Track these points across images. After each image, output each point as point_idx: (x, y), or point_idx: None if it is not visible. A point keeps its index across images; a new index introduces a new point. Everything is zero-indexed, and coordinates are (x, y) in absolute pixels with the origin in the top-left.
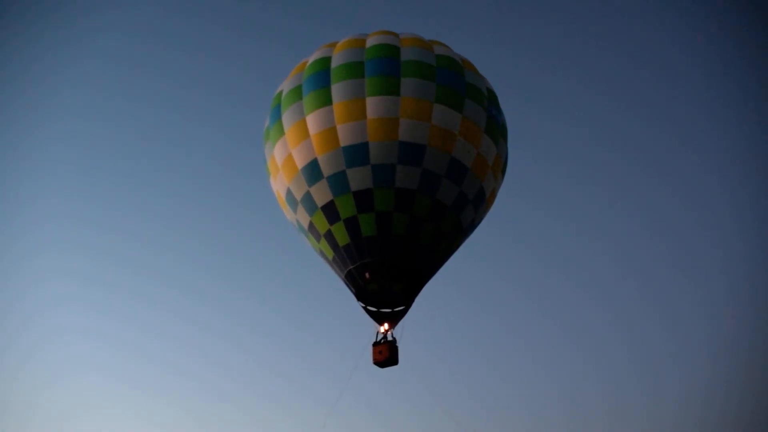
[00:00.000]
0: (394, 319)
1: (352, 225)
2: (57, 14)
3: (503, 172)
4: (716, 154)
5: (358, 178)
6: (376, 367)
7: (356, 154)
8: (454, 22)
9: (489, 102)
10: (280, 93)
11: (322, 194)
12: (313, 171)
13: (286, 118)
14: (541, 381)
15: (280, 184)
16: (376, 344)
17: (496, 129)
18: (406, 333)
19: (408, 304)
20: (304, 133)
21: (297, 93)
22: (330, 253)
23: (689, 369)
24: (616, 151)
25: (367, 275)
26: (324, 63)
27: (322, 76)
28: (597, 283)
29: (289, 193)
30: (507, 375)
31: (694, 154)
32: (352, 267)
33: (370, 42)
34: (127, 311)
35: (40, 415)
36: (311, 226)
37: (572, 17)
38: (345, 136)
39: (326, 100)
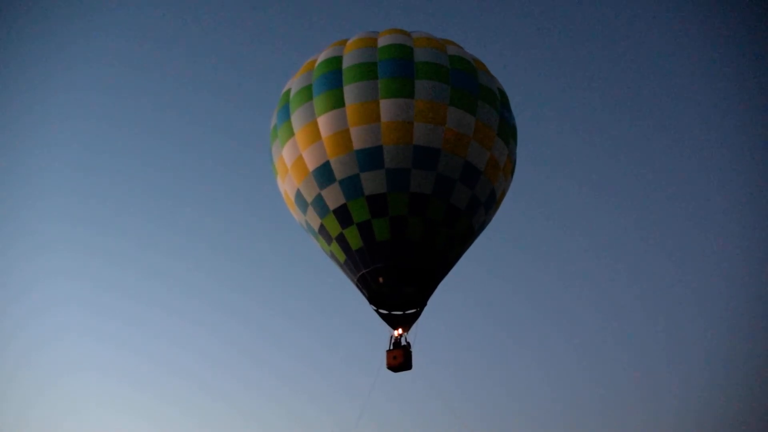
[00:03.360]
0: (407, 322)
1: (365, 229)
2: (59, 15)
3: (512, 172)
4: (715, 156)
5: (372, 183)
6: (384, 375)
7: (370, 157)
8: (449, 22)
9: (501, 103)
10: (288, 92)
11: (334, 198)
12: (324, 174)
13: (296, 118)
14: (539, 383)
15: (288, 185)
16: (390, 350)
17: (508, 130)
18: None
19: (421, 306)
20: (316, 134)
21: (307, 93)
22: (342, 257)
23: (687, 371)
24: (614, 153)
25: (380, 279)
26: (335, 62)
27: (333, 76)
28: (595, 285)
29: (298, 194)
30: (505, 377)
31: (693, 156)
32: (365, 271)
33: (382, 41)
34: (126, 311)
35: (40, 414)
36: (322, 228)
37: (570, 19)
38: (358, 139)
39: (338, 102)
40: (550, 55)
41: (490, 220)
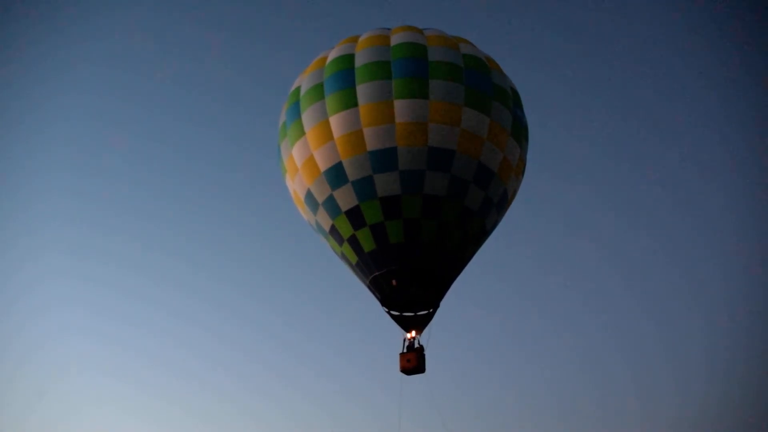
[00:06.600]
0: (419, 324)
1: (378, 231)
2: (59, 16)
3: (523, 172)
4: (714, 157)
5: (386, 184)
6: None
7: (384, 159)
8: (450, 22)
9: (514, 102)
10: (298, 89)
11: (346, 199)
12: (337, 175)
13: (307, 117)
14: (537, 383)
15: (298, 184)
16: (403, 353)
17: (520, 130)
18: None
19: (434, 308)
20: (328, 134)
21: (318, 91)
22: (353, 258)
23: (685, 371)
24: (613, 154)
25: (394, 282)
26: (347, 61)
27: (345, 75)
28: (594, 286)
29: (309, 194)
30: (503, 377)
31: (691, 157)
32: (378, 273)
33: (395, 40)
34: (127, 311)
35: (40, 414)
36: (333, 229)
37: (574, 20)
38: (372, 140)
39: (351, 102)
40: (552, 56)
41: (501, 219)
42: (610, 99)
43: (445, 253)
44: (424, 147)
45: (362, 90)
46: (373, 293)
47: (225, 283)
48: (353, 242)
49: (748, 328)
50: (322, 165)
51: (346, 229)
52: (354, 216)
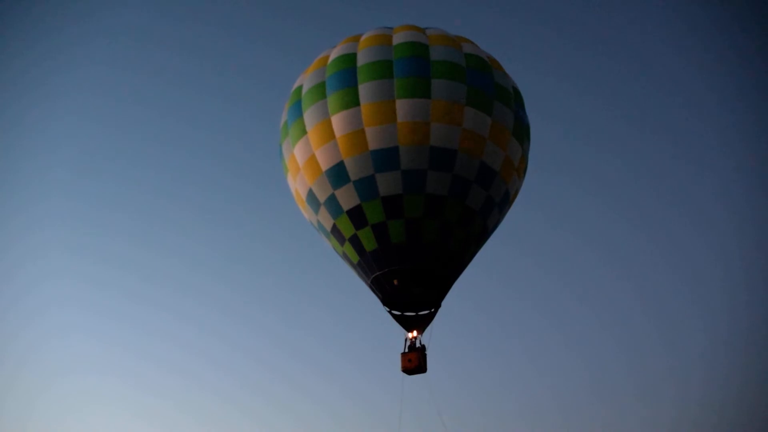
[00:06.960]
0: (420, 324)
1: (380, 231)
2: (59, 17)
3: (525, 171)
4: (713, 157)
5: (388, 184)
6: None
7: (386, 158)
8: (450, 22)
9: (515, 102)
10: (300, 88)
11: (348, 198)
12: (339, 174)
13: (309, 116)
14: (538, 383)
15: (300, 183)
16: (404, 352)
17: (522, 130)
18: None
19: (435, 308)
20: (329, 134)
21: (320, 90)
22: (355, 258)
23: (685, 371)
24: (612, 154)
25: (395, 282)
26: (349, 60)
27: (347, 74)
28: (594, 286)
29: (310, 194)
30: (504, 377)
31: (690, 157)
32: (379, 273)
33: (397, 39)
34: (126, 311)
35: (40, 413)
36: (335, 228)
37: (575, 22)
38: (374, 139)
39: (353, 101)
40: (553, 56)
41: (502, 219)
42: (610, 99)
43: (447, 252)
44: (426, 146)
45: (364, 89)
46: (375, 293)
47: (225, 283)
48: (355, 242)
49: (748, 328)
50: (324, 164)
51: (347, 228)
52: (356, 215)
